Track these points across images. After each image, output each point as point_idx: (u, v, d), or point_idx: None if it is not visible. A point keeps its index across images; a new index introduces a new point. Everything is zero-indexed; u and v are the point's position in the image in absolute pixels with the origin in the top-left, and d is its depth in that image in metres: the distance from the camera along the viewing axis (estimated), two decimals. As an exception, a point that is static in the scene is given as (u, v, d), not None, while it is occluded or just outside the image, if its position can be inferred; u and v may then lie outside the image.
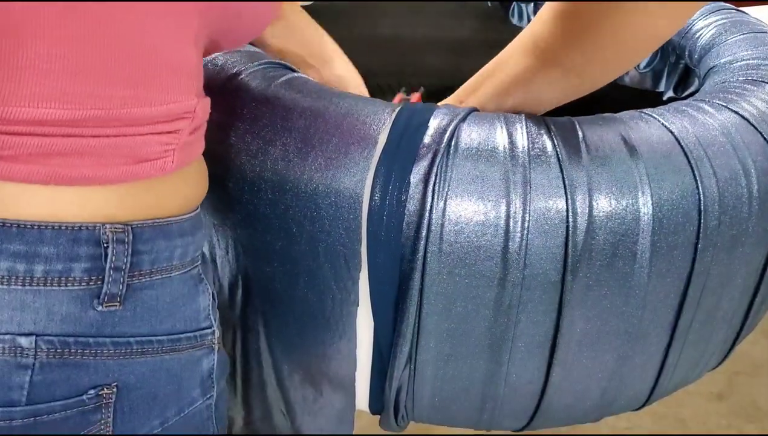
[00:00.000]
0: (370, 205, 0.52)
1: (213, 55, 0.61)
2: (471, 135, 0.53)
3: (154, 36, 0.41)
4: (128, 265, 0.43)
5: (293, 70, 0.61)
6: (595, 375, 0.58)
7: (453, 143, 0.53)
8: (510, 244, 0.51)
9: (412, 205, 0.51)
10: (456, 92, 0.64)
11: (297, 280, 0.57)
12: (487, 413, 0.60)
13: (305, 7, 0.96)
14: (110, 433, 0.44)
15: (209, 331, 0.49)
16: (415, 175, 0.51)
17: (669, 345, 0.59)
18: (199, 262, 0.50)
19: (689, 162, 0.54)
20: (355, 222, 0.52)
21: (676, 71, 0.85)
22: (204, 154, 0.58)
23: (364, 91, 0.74)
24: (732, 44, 0.73)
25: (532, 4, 0.98)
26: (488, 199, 0.51)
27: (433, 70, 1.16)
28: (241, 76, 0.59)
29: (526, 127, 0.54)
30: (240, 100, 0.57)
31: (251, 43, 0.67)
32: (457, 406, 0.60)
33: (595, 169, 0.52)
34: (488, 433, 0.66)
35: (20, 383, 0.41)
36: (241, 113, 0.57)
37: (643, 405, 0.66)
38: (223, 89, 0.58)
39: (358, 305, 0.55)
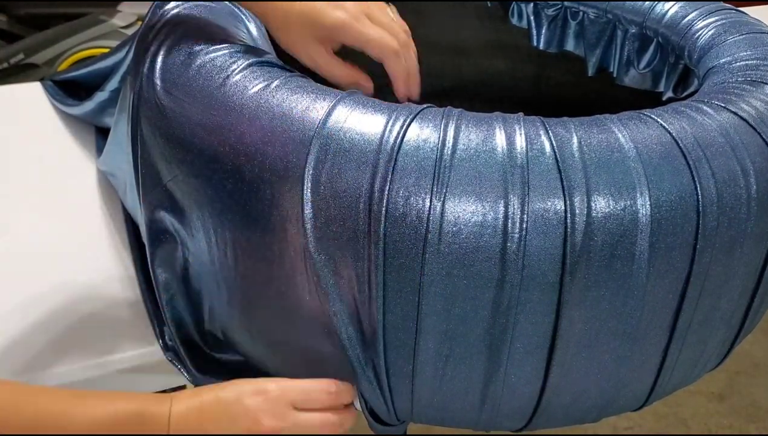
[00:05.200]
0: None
1: (212, 55, 0.61)
2: (470, 136, 0.53)
3: None
4: None
5: (290, 71, 0.61)
6: (594, 376, 0.58)
7: (450, 143, 0.53)
8: (508, 245, 0.51)
9: (410, 206, 0.51)
10: None
11: (295, 283, 0.57)
12: (486, 413, 0.60)
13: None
14: None
15: None
16: (411, 176, 0.51)
17: (668, 346, 0.59)
18: None
19: (688, 163, 0.54)
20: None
21: (676, 71, 0.85)
22: (203, 154, 0.58)
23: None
24: (731, 45, 0.73)
25: (532, 4, 0.98)
26: (486, 200, 0.51)
27: (433, 70, 1.16)
28: (240, 76, 0.59)
29: (524, 128, 0.54)
30: (238, 101, 0.57)
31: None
32: (456, 406, 0.60)
33: (593, 170, 0.52)
34: (487, 433, 0.67)
35: None
36: (240, 113, 0.57)
37: (642, 406, 0.66)
38: (222, 89, 0.58)
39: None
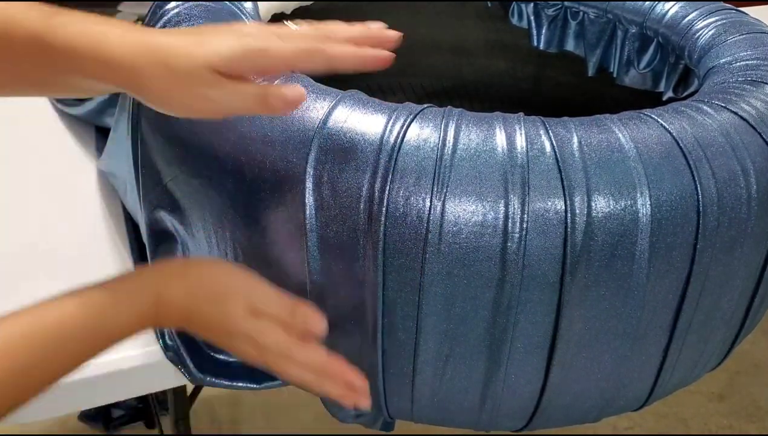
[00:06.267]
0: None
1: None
2: (470, 135, 0.53)
3: None
4: None
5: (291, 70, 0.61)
6: (594, 376, 0.58)
7: (450, 143, 0.53)
8: (509, 244, 0.51)
9: (410, 206, 0.51)
10: None
11: (296, 282, 0.57)
12: (487, 413, 0.60)
13: (305, 8, 0.96)
14: None
15: None
16: (411, 176, 0.51)
17: (668, 346, 0.59)
18: None
19: (688, 163, 0.54)
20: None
21: (676, 71, 0.85)
22: (204, 154, 0.58)
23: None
24: (731, 45, 0.73)
25: (532, 4, 0.98)
26: (487, 200, 0.51)
27: (433, 70, 1.16)
28: (240, 77, 0.59)
29: (525, 128, 0.54)
30: (239, 101, 0.57)
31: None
32: (456, 406, 0.60)
33: (593, 170, 0.52)
34: (487, 433, 0.67)
35: None
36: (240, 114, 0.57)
37: (643, 406, 0.66)
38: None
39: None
